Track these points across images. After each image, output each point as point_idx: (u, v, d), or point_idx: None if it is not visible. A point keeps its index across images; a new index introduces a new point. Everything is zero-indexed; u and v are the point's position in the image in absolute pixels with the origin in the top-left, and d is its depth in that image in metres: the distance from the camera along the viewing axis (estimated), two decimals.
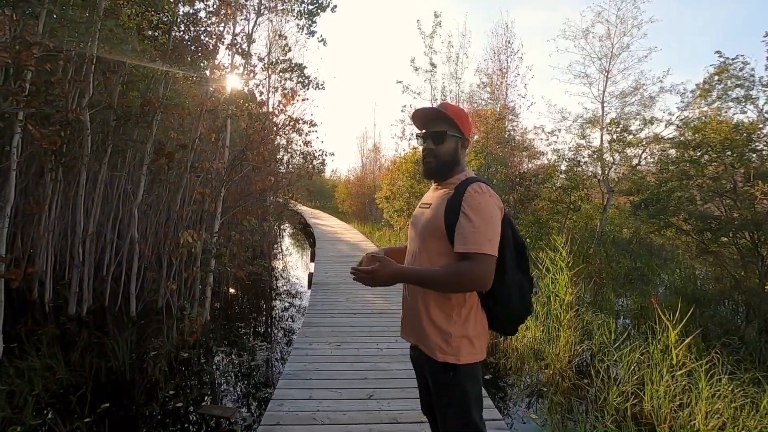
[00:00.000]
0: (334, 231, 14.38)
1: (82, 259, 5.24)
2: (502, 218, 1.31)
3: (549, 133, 10.47)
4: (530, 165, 11.53)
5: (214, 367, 4.15)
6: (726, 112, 6.93)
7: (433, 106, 1.42)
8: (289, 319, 5.92)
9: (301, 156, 8.05)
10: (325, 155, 7.83)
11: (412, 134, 12.68)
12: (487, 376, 4.04)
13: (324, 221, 18.79)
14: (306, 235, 16.86)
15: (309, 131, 6.31)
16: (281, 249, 13.83)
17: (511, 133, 10.66)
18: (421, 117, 1.42)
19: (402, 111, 12.14)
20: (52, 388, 3.48)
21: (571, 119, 10.47)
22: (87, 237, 5.27)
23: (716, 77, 6.77)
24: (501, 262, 1.26)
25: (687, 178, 5.94)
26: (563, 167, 9.93)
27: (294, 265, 11.20)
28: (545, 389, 3.78)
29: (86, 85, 5.02)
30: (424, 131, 1.43)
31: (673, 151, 7.43)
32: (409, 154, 12.01)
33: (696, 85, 7.50)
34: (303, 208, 27.47)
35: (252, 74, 5.87)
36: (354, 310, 4.79)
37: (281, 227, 17.59)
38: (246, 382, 3.88)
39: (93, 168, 5.51)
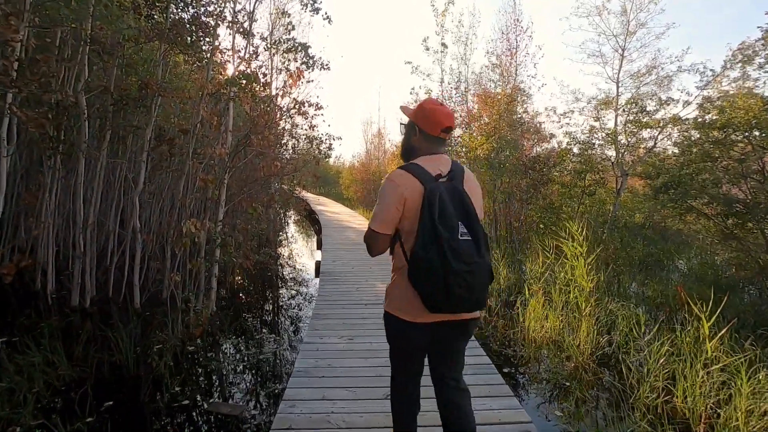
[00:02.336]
0: (339, 218, 14.19)
1: (84, 249, 5.09)
2: (423, 199, 1.46)
3: (561, 114, 10.14)
4: (539, 149, 11.21)
5: (221, 361, 4.00)
6: (759, 87, 6.52)
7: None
8: (297, 308, 5.77)
9: (307, 140, 7.77)
10: (332, 139, 7.56)
11: None
12: (505, 369, 3.87)
13: (329, 208, 18.61)
14: (311, 222, 16.70)
15: (314, 114, 6.06)
16: (287, 236, 13.68)
17: (522, 115, 10.31)
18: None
19: (411, 93, 11.76)
20: (54, 384, 3.35)
21: (585, 100, 10.11)
22: (87, 226, 5.10)
23: (761, 42, 6.19)
24: (415, 239, 1.46)
25: (711, 160, 5.65)
26: (576, 150, 9.61)
27: (300, 252, 11.05)
28: (568, 383, 3.60)
29: (81, 67, 4.79)
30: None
31: (695, 133, 7.11)
32: None
33: (734, 51, 6.96)
34: (308, 195, 27.31)
35: (255, 55, 5.60)
36: (365, 300, 4.61)
37: (286, 214, 17.45)
38: (254, 376, 3.73)
39: (93, 155, 5.32)
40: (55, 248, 5.56)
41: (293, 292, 6.66)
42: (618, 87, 10.09)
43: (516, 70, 11.26)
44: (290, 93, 4.72)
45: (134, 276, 5.16)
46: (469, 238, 1.46)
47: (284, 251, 10.52)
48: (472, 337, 3.52)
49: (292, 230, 16.80)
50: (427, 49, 11.35)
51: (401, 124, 1.74)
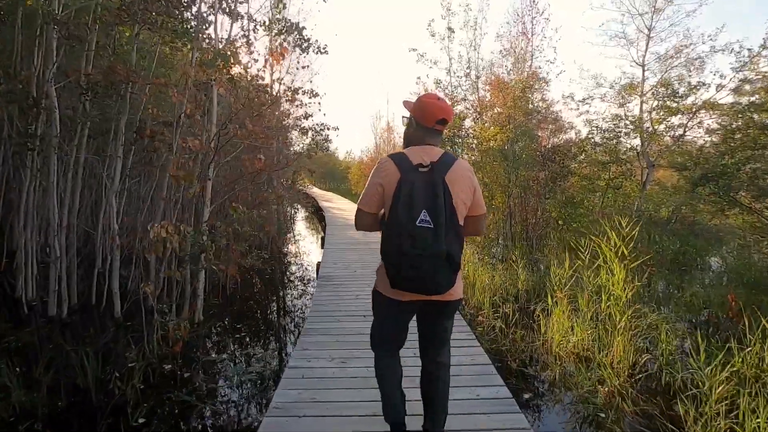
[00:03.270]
0: (345, 215, 13.66)
1: (59, 253, 4.66)
2: (398, 182, 1.60)
3: (580, 101, 9.42)
4: (555, 139, 10.51)
5: (197, 384, 3.50)
6: None
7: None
8: (292, 317, 5.27)
9: (300, 131, 7.20)
10: (328, 129, 6.96)
11: None
12: (525, 396, 3.30)
13: (335, 204, 18.11)
14: (319, 218, 16.23)
15: (309, 103, 5.49)
16: (293, 234, 13.24)
17: (539, 104, 9.61)
18: None
19: (417, 83, 11.16)
20: (2, 415, 2.90)
21: (607, 85, 9.36)
22: (62, 229, 4.67)
23: None
24: (392, 212, 1.60)
25: (762, 147, 4.94)
26: (597, 140, 8.90)
27: (307, 250, 10.58)
28: (602, 415, 3.01)
29: (49, 52, 4.33)
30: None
31: (732, 118, 6.37)
32: None
33: None
34: (315, 191, 26.87)
35: (245, 39, 5.08)
36: (364, 311, 4.06)
37: (293, 211, 17.02)
38: (232, 407, 3.24)
39: (67, 151, 4.88)
40: (34, 252, 5.15)
41: (292, 296, 6.17)
42: (644, 71, 9.33)
43: (532, 55, 10.55)
44: (272, 71, 4.16)
45: (113, 282, 4.72)
46: (430, 225, 1.55)
47: (289, 250, 10.07)
48: (491, 365, 2.98)
49: (301, 227, 16.38)
50: (433, 35, 10.72)
51: (403, 117, 1.85)
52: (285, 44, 4.23)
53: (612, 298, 3.89)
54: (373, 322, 1.91)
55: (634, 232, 3.97)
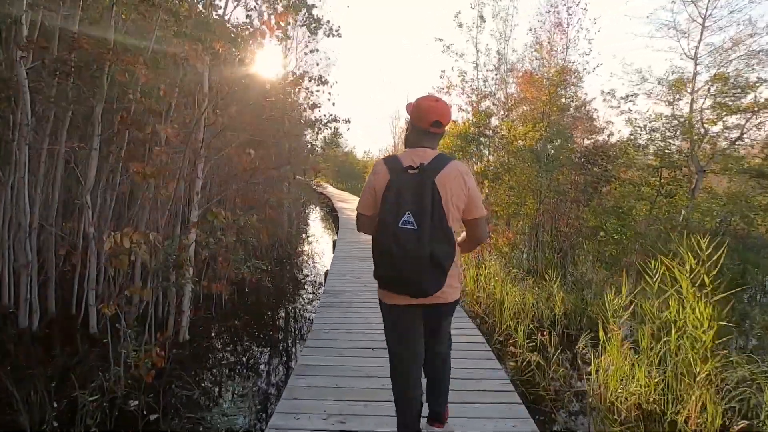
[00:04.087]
0: None
1: (30, 258, 4.10)
2: (386, 184, 1.62)
3: (623, 98, 8.47)
4: (588, 141, 9.57)
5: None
6: None
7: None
8: (291, 344, 4.60)
9: (306, 124, 6.47)
10: (336, 121, 6.21)
11: (452, 104, 10.93)
12: None
13: (351, 205, 17.43)
14: (334, 219, 15.61)
15: (318, 91, 4.79)
16: (306, 236, 12.64)
17: (575, 100, 8.72)
18: None
19: (441, 77, 10.38)
20: None
21: (654, 80, 8.40)
22: (33, 230, 4.11)
23: None
24: (380, 213, 1.62)
25: None
26: (642, 141, 7.96)
27: (320, 251, 9.95)
28: None
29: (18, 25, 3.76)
30: None
31: None
32: (449, 128, 10.29)
33: None
34: (331, 190, 26.30)
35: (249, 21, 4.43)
36: (374, 341, 3.33)
37: (307, 211, 16.44)
38: None
39: (49, 144, 4.32)
40: (9, 257, 4.61)
41: (293, 313, 5.48)
42: (696, 64, 8.32)
43: (566, 48, 9.64)
44: (261, 43, 3.47)
45: (89, 294, 4.13)
46: (413, 227, 1.55)
47: (299, 254, 9.44)
48: (529, 418, 2.33)
49: (317, 228, 15.81)
50: (460, 26, 9.93)
51: (406, 120, 1.96)
52: (290, 19, 3.55)
53: (687, 337, 3.07)
54: (386, 338, 1.83)
55: (718, 254, 3.14)
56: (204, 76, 3.68)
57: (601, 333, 3.68)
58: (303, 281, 7.03)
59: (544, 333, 4.40)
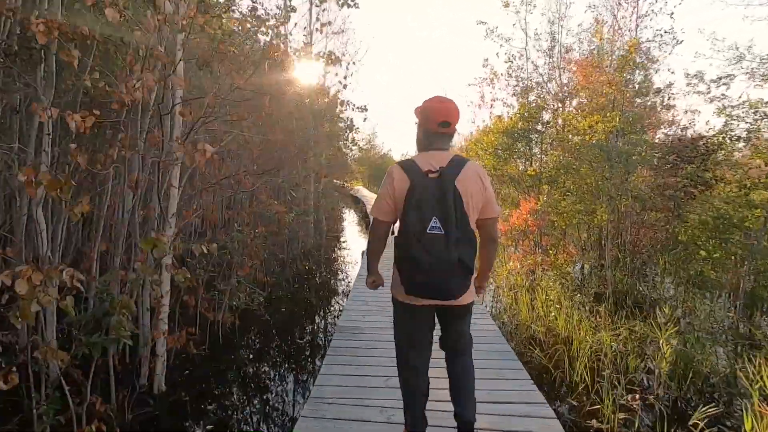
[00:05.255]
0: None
1: None
2: (408, 189, 1.62)
3: (713, 81, 6.88)
4: (661, 134, 8.00)
5: None
6: None
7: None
8: (294, 397, 3.61)
9: (312, 115, 5.45)
10: (345, 105, 5.13)
11: (495, 98, 9.71)
12: None
13: None
14: (366, 225, 14.68)
15: (327, 72, 3.75)
16: (339, 243, 11.77)
17: (647, 84, 7.22)
18: None
19: (484, 66, 9.20)
20: None
21: (754, 59, 6.75)
22: None
23: None
24: (403, 219, 1.62)
25: None
26: (739, 131, 6.37)
27: (354, 260, 8.99)
28: None
29: None
30: None
31: None
32: (494, 124, 9.07)
33: None
34: (365, 193, 25.45)
35: None
36: (390, 401, 2.27)
37: (341, 215, 15.61)
38: None
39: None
40: None
41: (298, 362, 4.47)
42: None
43: (636, 26, 8.15)
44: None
45: (47, 331, 3.34)
46: (441, 232, 1.57)
47: (327, 265, 8.53)
48: None
49: (353, 232, 14.96)
50: (507, 5, 8.70)
51: (416, 123, 1.85)
52: None
53: None
54: (394, 331, 1.89)
55: None
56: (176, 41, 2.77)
57: (747, 421, 2.40)
58: (321, 303, 6.05)
59: (636, 398, 3.16)
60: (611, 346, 3.82)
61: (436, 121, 1.70)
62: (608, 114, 5.58)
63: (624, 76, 6.56)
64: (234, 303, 3.61)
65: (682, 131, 7.29)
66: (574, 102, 8.52)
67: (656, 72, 7.54)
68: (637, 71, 7.13)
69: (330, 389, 2.65)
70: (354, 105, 5.10)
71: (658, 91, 6.49)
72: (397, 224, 1.72)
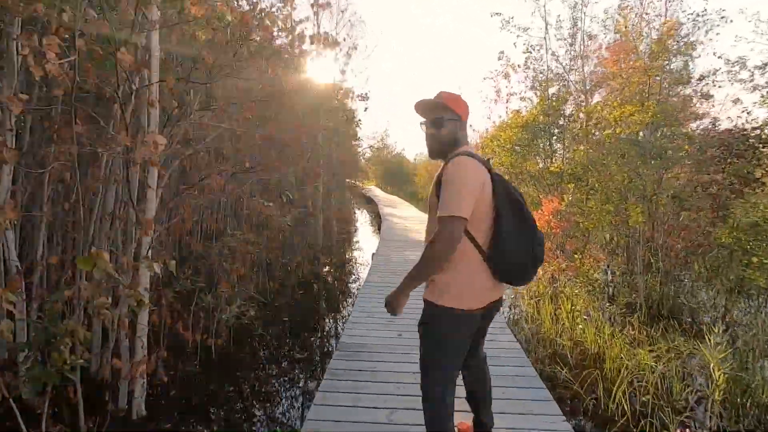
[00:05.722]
0: (406, 225, 11.51)
1: None
2: (493, 183, 1.55)
3: (758, 67, 6.26)
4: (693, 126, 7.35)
5: None
6: None
7: (432, 98, 1.65)
8: (292, 418, 3.21)
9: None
10: (352, 98, 4.63)
11: (512, 92, 9.17)
12: None
13: (398, 210, 15.98)
14: (378, 227, 14.28)
15: (314, 52, 3.33)
16: (349, 247, 11.37)
17: (683, 73, 6.61)
18: (422, 107, 1.69)
19: (499, 59, 8.69)
20: None
21: None
22: None
23: None
24: (498, 219, 1.54)
25: None
26: None
27: (365, 261, 8.52)
28: None
29: None
30: (425, 120, 1.69)
31: None
32: (511, 118, 8.55)
33: None
34: (378, 193, 25.06)
35: None
36: None
37: (353, 216, 15.25)
38: None
39: None
40: None
41: (296, 370, 4.09)
42: None
43: (666, 9, 7.51)
44: None
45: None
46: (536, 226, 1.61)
47: (335, 269, 8.15)
48: None
49: (366, 233, 14.58)
50: None
51: (421, 123, 1.72)
52: None
53: None
54: (443, 351, 1.64)
55: None
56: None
57: None
58: (323, 313, 5.64)
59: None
60: (651, 367, 3.34)
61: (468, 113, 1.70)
62: (644, 104, 5.03)
63: (662, 62, 5.99)
64: (224, 317, 3.25)
65: (713, 121, 6.66)
66: (602, 92, 7.97)
67: (697, 57, 6.90)
68: (677, 57, 6.52)
69: (325, 424, 2.25)
70: (354, 93, 4.70)
71: (701, 78, 5.89)
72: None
